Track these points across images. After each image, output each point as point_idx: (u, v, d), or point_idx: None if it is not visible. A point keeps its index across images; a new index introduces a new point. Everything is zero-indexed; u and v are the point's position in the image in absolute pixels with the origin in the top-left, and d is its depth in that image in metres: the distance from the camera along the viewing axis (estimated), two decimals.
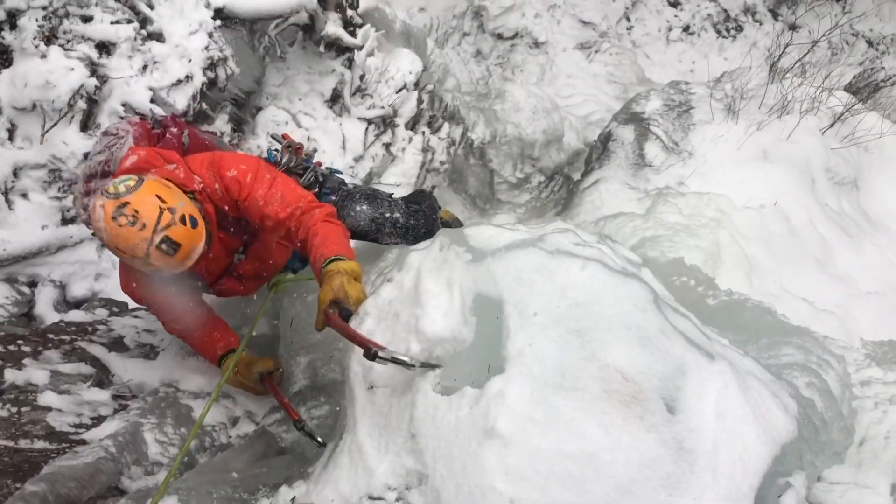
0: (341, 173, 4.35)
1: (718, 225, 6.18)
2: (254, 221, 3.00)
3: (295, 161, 3.80)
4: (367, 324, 2.38)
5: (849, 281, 6.35)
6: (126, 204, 2.48)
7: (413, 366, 2.09)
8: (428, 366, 2.15)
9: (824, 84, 7.37)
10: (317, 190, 3.81)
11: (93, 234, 2.93)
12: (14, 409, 3.02)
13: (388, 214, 3.77)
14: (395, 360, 2.08)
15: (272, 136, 4.13)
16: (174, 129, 3.34)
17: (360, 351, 2.21)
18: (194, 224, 2.70)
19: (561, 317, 2.08)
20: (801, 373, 2.66)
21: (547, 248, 2.28)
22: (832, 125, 7.15)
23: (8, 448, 2.78)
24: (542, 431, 1.90)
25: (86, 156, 3.37)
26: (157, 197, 2.57)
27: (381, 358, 2.07)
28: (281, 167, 3.67)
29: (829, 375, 2.72)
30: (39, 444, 2.84)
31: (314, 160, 4.06)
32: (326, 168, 4.17)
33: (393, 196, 4.01)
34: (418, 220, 3.86)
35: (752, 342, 2.94)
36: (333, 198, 3.83)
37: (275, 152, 3.80)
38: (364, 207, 3.76)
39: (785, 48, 7.41)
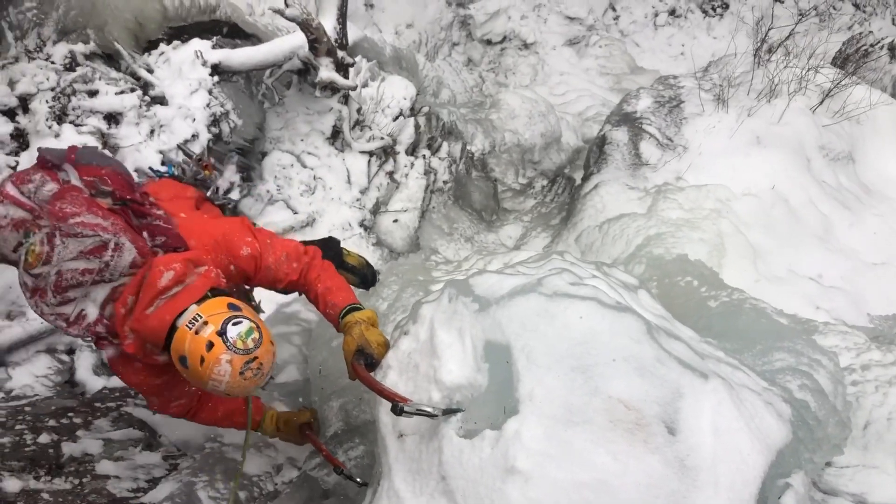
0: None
1: (719, 215, 6.35)
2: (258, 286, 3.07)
3: (202, 176, 3.72)
4: (390, 377, 2.60)
5: (853, 254, 6.50)
6: (255, 359, 2.45)
7: (436, 415, 2.32)
8: (450, 412, 2.37)
9: (810, 61, 7.52)
10: None
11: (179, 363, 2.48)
12: (76, 481, 3.27)
13: None
14: (419, 412, 2.31)
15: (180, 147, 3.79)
16: (156, 212, 2.87)
17: (387, 403, 2.45)
18: None
19: (564, 356, 2.29)
20: (794, 376, 2.85)
21: (545, 291, 2.50)
22: (821, 102, 7.30)
23: None
24: (558, 464, 2.11)
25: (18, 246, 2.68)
26: (271, 342, 2.56)
27: (406, 412, 2.30)
28: (186, 179, 3.53)
29: (820, 375, 2.91)
30: None
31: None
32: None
33: None
34: None
35: (747, 350, 3.14)
36: None
37: (174, 167, 3.57)
38: None
39: (767, 32, 7.56)
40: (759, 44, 7.52)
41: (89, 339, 2.71)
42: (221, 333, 2.39)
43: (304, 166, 6.58)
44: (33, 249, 2.53)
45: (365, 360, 2.72)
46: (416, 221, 7.04)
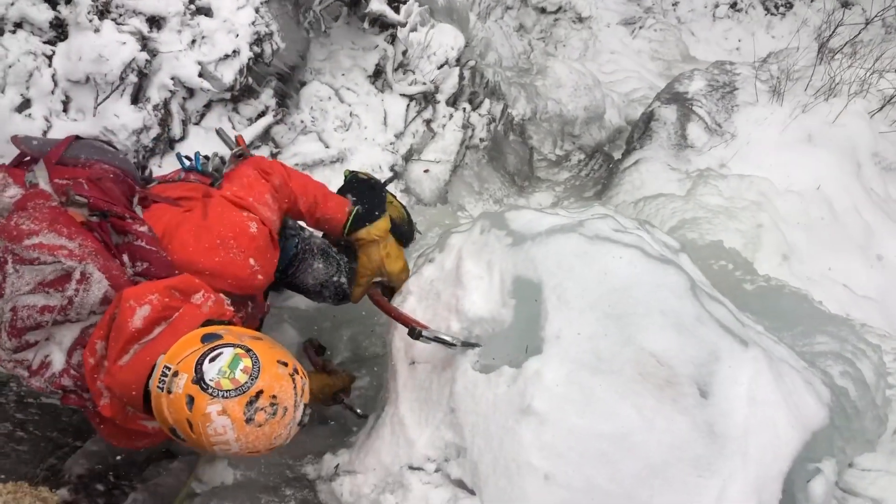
0: None
1: (759, 208, 6.14)
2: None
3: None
4: (409, 302, 2.48)
5: (891, 267, 6.29)
6: (259, 393, 1.79)
7: (454, 345, 2.19)
8: (468, 345, 2.23)
9: (875, 66, 7.23)
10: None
11: (176, 437, 1.88)
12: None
13: (335, 278, 3.14)
14: (437, 340, 2.18)
15: (218, 133, 3.23)
16: (138, 228, 2.16)
17: (402, 328, 2.32)
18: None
19: (598, 301, 2.15)
20: (836, 361, 2.69)
21: (587, 233, 2.35)
22: (881, 108, 7.02)
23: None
24: (578, 411, 1.98)
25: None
26: (280, 363, 1.89)
27: (424, 337, 2.17)
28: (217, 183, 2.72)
29: (863, 364, 2.74)
30: None
31: None
32: None
33: (342, 256, 3.26)
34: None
35: (787, 329, 2.98)
36: (297, 241, 3.11)
37: (204, 160, 2.95)
38: (320, 265, 3.11)
39: (835, 28, 7.26)
40: (826, 39, 7.22)
41: (55, 393, 2.05)
42: (198, 380, 1.77)
43: (342, 101, 6.43)
44: None
45: (382, 285, 2.60)
46: (448, 175, 6.88)
